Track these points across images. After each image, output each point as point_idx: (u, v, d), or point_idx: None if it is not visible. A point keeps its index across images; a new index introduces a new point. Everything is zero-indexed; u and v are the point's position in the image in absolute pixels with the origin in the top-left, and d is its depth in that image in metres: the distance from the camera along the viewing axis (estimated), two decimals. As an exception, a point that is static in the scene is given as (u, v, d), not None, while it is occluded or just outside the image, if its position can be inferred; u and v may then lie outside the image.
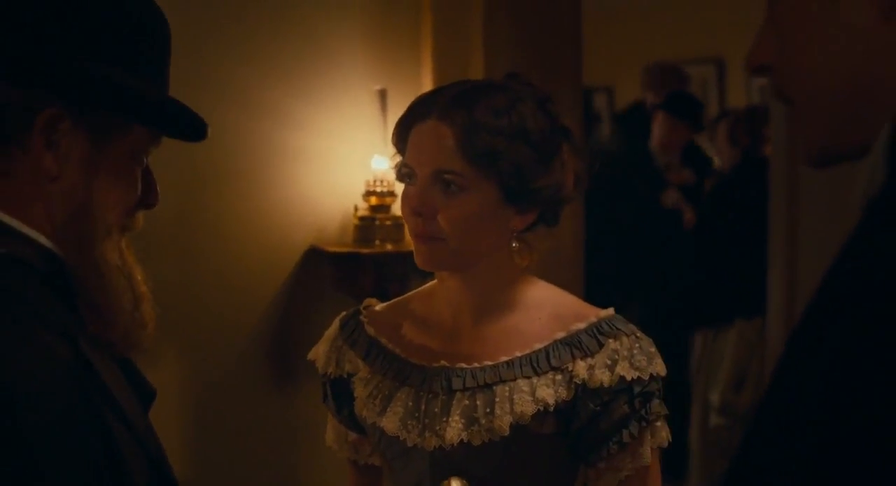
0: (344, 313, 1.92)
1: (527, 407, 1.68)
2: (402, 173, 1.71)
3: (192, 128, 1.33)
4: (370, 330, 1.86)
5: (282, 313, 3.39)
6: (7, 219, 1.16)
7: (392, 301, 1.91)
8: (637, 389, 1.68)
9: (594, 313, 1.75)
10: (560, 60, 3.55)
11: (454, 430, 1.69)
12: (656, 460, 1.73)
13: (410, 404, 1.76)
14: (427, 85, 3.31)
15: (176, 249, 3.27)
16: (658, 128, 5.46)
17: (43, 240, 1.19)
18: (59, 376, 1.10)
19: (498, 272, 1.76)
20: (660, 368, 1.70)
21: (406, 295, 1.91)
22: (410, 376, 1.78)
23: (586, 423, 1.69)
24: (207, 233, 3.31)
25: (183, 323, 3.27)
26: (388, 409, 1.77)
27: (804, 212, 3.46)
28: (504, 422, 1.67)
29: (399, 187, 1.83)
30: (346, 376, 1.86)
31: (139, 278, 1.38)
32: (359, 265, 3.28)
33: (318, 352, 1.91)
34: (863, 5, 0.85)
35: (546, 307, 1.77)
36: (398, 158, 1.75)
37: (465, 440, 1.69)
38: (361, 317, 1.88)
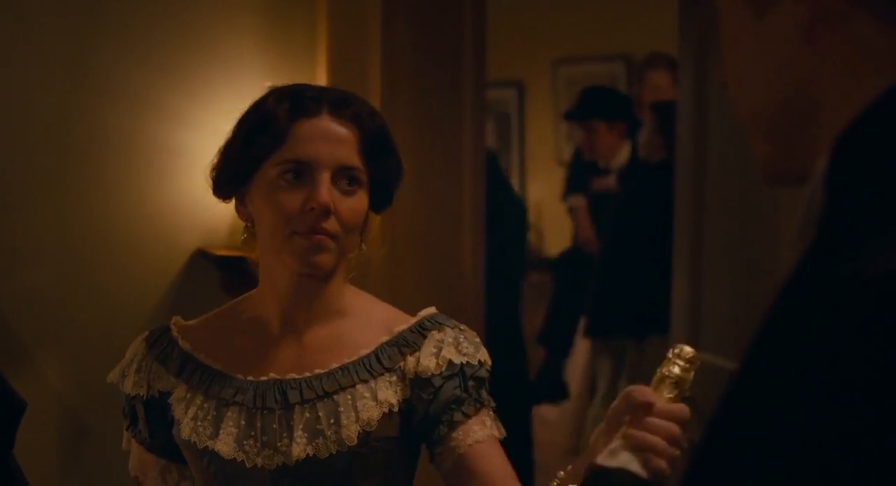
0: (148, 331, 1.84)
1: (372, 412, 1.67)
2: (289, 169, 1.66)
3: None
4: (185, 345, 1.78)
5: (166, 319, 3.24)
6: None
7: (207, 315, 1.85)
8: (469, 372, 1.71)
9: (417, 315, 1.77)
10: (461, 60, 3.45)
11: (299, 445, 1.66)
12: (499, 448, 1.72)
13: (243, 423, 1.69)
14: (321, 82, 3.19)
15: (55, 251, 3.12)
16: (611, 135, 5.27)
17: None
18: None
19: (337, 278, 1.75)
20: (486, 357, 1.74)
21: (223, 307, 1.86)
22: (238, 393, 1.72)
23: (423, 414, 1.69)
24: (88, 234, 3.16)
25: (62, 330, 3.12)
26: (221, 431, 1.69)
27: (709, 223, 3.40)
28: (352, 431, 1.65)
29: None
30: (157, 395, 1.78)
31: None
32: (248, 269, 3.15)
33: (121, 373, 1.82)
34: (787, 26, 0.79)
35: (374, 315, 1.78)
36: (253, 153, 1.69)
37: (311, 455, 1.65)
38: (173, 333, 1.80)
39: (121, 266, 3.19)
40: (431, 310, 1.79)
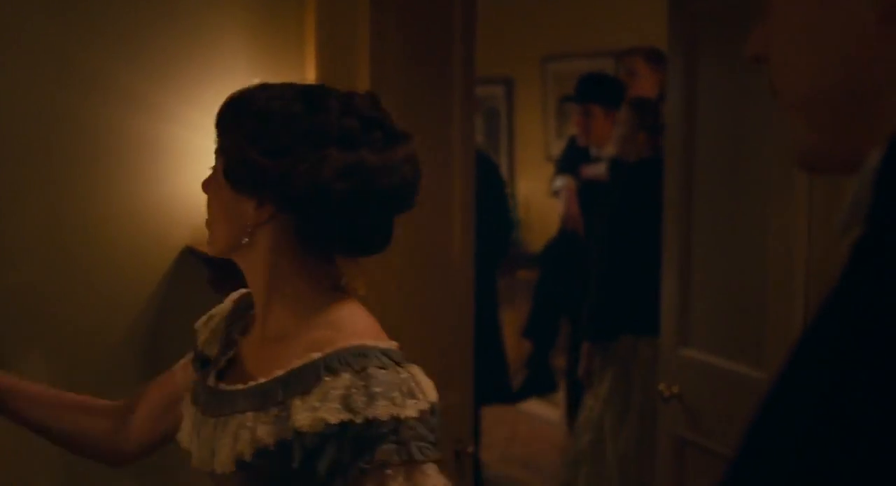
0: (245, 290, 1.87)
1: (245, 447, 1.59)
2: None
3: None
4: (238, 327, 1.84)
5: (156, 316, 3.24)
6: None
7: None
8: (351, 432, 1.53)
9: (345, 342, 1.58)
10: (451, 56, 3.44)
11: (197, 456, 1.72)
12: None
13: (194, 419, 1.76)
14: (310, 80, 3.18)
15: (45, 248, 3.10)
16: (606, 122, 5.28)
17: None
18: None
19: (273, 279, 1.71)
20: (381, 411, 1.52)
21: None
22: (200, 389, 1.78)
23: (300, 468, 1.55)
24: (77, 232, 3.14)
25: (51, 327, 3.11)
26: (183, 423, 1.78)
27: (698, 220, 3.40)
28: (226, 457, 1.61)
29: None
30: (207, 359, 1.84)
31: None
32: (236, 266, 3.13)
33: (204, 322, 1.91)
34: (860, 3, 0.75)
35: (319, 329, 1.65)
36: None
37: (212, 466, 1.67)
38: (251, 310, 1.84)
39: (110, 263, 3.17)
40: (359, 342, 1.61)
